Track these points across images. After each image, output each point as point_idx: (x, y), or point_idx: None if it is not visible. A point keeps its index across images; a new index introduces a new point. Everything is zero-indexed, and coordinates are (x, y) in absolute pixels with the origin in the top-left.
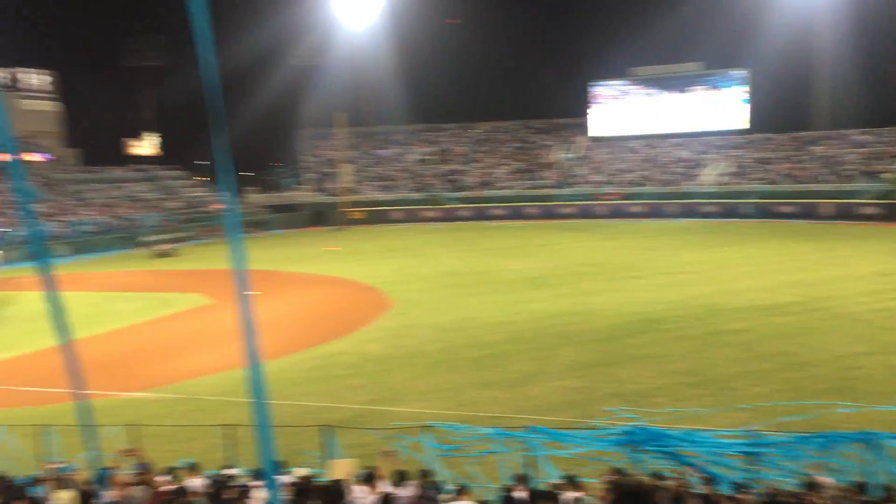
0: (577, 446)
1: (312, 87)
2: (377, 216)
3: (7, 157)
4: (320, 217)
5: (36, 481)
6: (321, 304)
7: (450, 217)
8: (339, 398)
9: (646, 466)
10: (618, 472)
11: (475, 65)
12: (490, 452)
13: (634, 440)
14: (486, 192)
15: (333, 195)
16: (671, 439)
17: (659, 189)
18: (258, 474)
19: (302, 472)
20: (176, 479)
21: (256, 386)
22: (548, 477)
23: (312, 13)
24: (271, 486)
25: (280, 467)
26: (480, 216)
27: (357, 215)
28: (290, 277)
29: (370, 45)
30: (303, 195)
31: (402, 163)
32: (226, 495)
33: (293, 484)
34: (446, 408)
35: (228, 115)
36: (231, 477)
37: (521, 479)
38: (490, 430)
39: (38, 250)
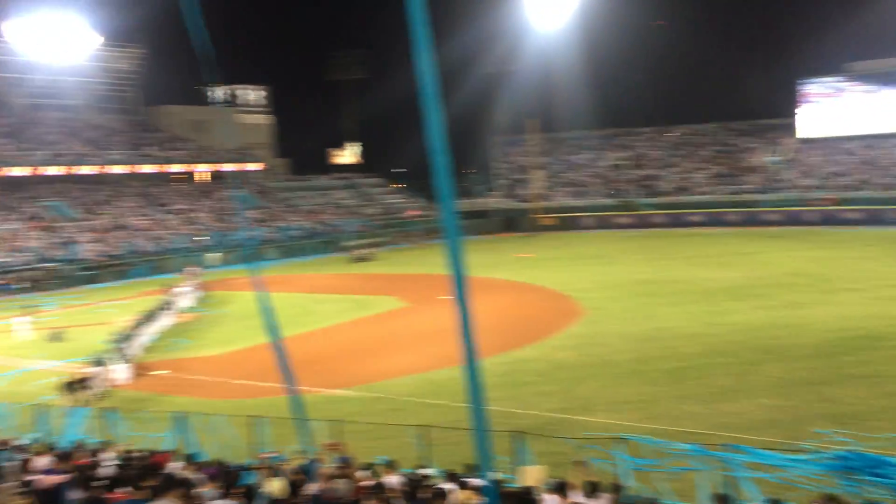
0: (782, 469)
1: (504, 92)
2: (569, 223)
3: (227, 168)
4: (512, 223)
5: (249, 469)
6: (512, 309)
7: (644, 223)
8: (528, 405)
9: (862, 496)
10: (831, 499)
11: (672, 66)
12: (687, 470)
13: (850, 466)
14: (683, 198)
15: (525, 201)
16: (893, 468)
17: (879, 193)
18: (452, 476)
19: (493, 476)
20: (374, 474)
21: (474, 389)
22: (750, 500)
23: (505, 19)
24: (490, 494)
25: (474, 470)
26: (676, 223)
27: (548, 221)
28: (482, 283)
29: (562, 49)
30: (494, 201)
31: (595, 168)
32: (421, 495)
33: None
34: (638, 420)
35: (420, 123)
36: (426, 477)
37: (722, 500)
38: (687, 447)
39: (251, 253)
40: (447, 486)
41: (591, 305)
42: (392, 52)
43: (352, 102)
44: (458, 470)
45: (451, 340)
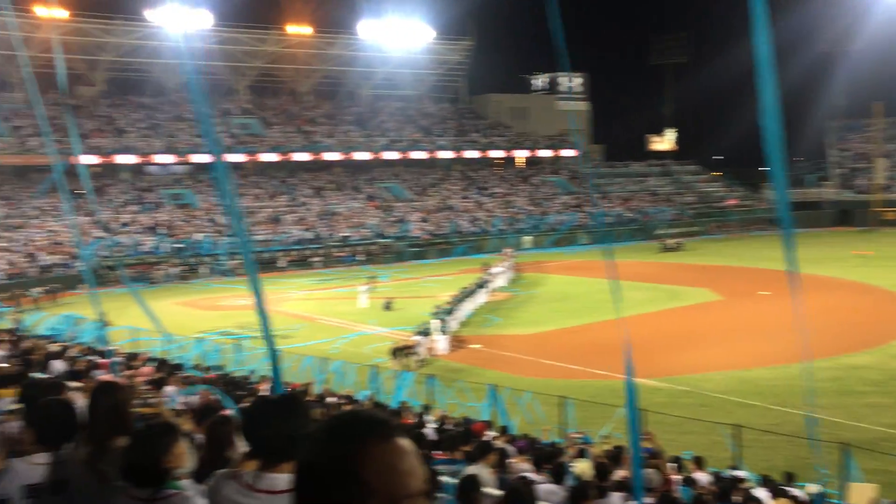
0: None
1: (842, 73)
2: None
3: (544, 154)
4: (847, 216)
5: (557, 447)
6: (842, 311)
7: None
8: (857, 416)
9: None
10: None
11: None
12: None
13: None
14: None
15: (864, 193)
16: None
17: None
18: (767, 482)
19: (812, 488)
20: (682, 469)
21: (809, 394)
22: None
23: None
24: None
25: (790, 479)
26: None
27: (892, 216)
28: (808, 280)
29: None
30: (827, 192)
31: None
32: (734, 497)
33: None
34: None
35: (745, 106)
36: (738, 479)
37: None
38: None
39: (605, 235)
40: (761, 492)
41: None
42: (714, 34)
43: (671, 87)
44: (774, 476)
45: (767, 338)
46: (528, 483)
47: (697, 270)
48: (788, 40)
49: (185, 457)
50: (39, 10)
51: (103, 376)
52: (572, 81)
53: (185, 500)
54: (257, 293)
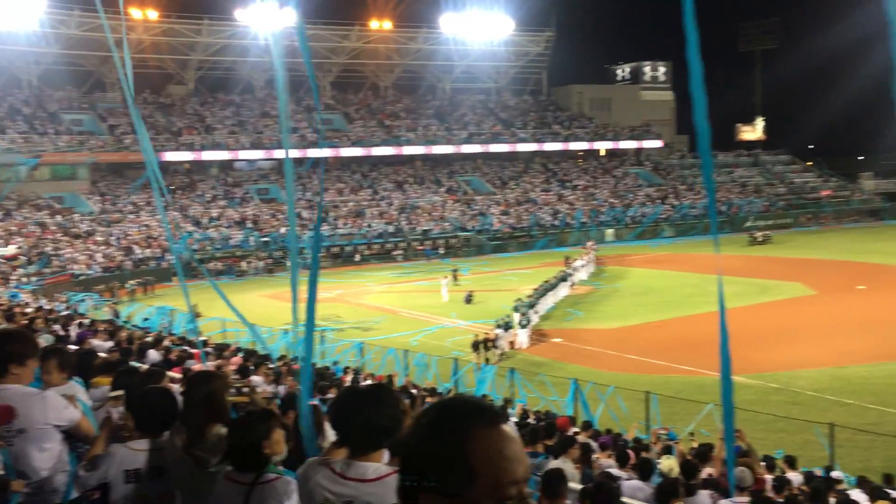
0: None
1: None
2: None
3: (627, 145)
4: None
5: (642, 443)
6: None
7: None
8: None
9: None
10: None
11: None
12: None
13: None
14: None
15: None
16: None
17: None
18: (864, 483)
19: None
20: (772, 468)
21: None
22: None
23: None
24: None
25: (889, 481)
26: None
27: None
28: None
29: None
30: None
31: None
32: (832, 497)
33: None
34: None
35: (838, 92)
36: (833, 480)
37: None
38: None
39: (645, 231)
40: (857, 494)
41: None
42: (805, 18)
43: (760, 75)
44: (872, 477)
45: (864, 334)
46: (613, 479)
47: (796, 264)
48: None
49: (283, 444)
50: (134, 13)
51: (196, 366)
52: (657, 70)
53: (286, 485)
54: (313, 285)
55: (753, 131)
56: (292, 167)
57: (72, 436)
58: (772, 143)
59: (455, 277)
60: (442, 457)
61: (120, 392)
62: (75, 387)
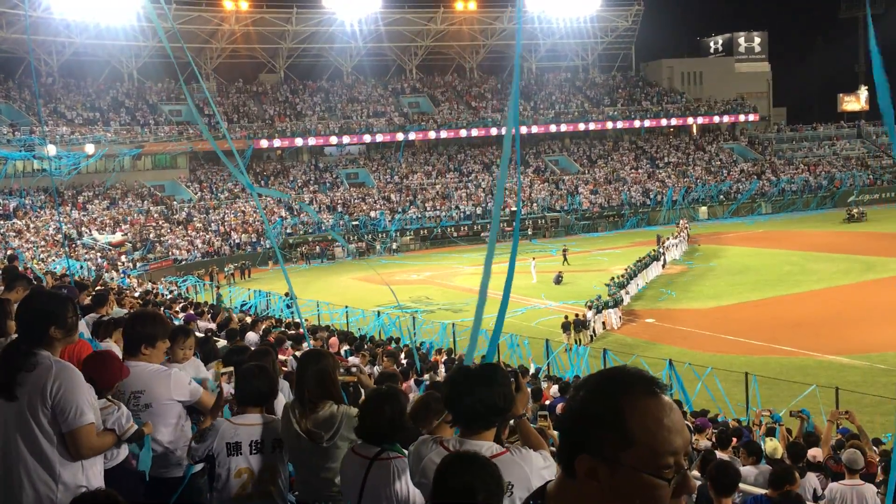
0: None
1: None
2: None
3: (721, 120)
4: None
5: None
6: None
7: None
8: None
9: None
10: None
11: None
12: None
13: None
14: None
15: None
16: None
17: None
18: None
19: None
20: (882, 451)
21: None
22: None
23: None
24: None
25: None
26: None
27: None
28: None
29: None
30: None
31: None
32: None
33: None
34: None
35: None
36: None
37: None
38: None
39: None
40: None
41: None
42: None
43: (863, 41)
44: None
45: None
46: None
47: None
48: None
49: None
50: (227, 4)
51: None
52: (752, 41)
53: (404, 465)
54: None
55: (857, 101)
56: (510, 141)
57: (196, 410)
58: (876, 114)
59: (565, 257)
60: (601, 420)
61: (230, 369)
62: (199, 364)
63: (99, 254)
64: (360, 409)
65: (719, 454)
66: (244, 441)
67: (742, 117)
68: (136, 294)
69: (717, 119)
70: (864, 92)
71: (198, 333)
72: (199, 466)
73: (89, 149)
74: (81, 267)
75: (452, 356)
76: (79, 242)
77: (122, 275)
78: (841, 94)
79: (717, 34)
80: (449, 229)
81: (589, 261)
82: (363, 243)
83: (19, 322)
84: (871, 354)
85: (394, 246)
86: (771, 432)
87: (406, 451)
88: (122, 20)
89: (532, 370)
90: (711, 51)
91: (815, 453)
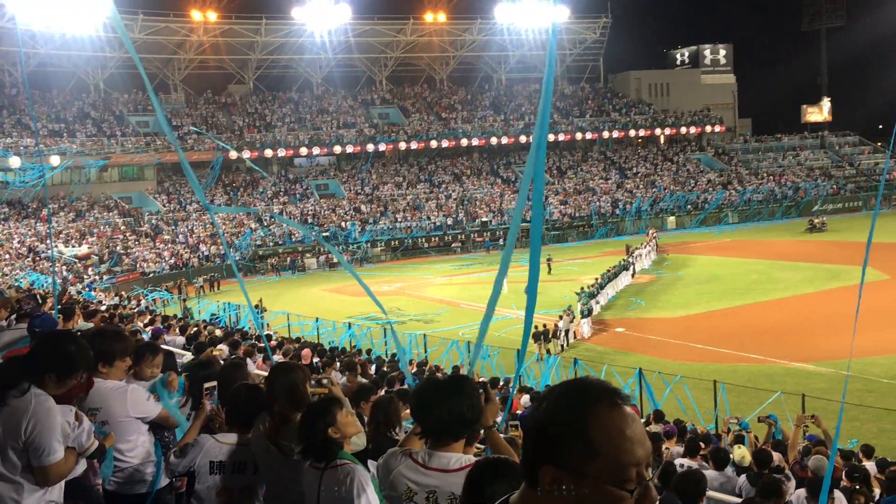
0: None
1: None
2: None
3: (687, 131)
4: None
5: (709, 433)
6: None
7: None
8: None
9: None
10: None
11: None
12: None
13: None
14: None
15: None
16: None
17: None
18: None
19: None
20: (847, 457)
21: None
22: None
23: None
24: None
25: None
26: None
27: None
28: None
29: None
30: None
31: None
32: None
33: None
34: None
35: None
36: None
37: None
38: None
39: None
40: None
41: None
42: None
43: (825, 54)
44: None
45: None
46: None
47: (861, 249)
48: None
49: (353, 428)
50: (194, 15)
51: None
52: (717, 53)
53: (352, 470)
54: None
55: (819, 112)
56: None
57: (160, 426)
58: (839, 125)
59: (549, 267)
60: (564, 431)
61: (213, 383)
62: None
63: (65, 267)
64: (300, 423)
65: (688, 461)
66: (228, 460)
67: (708, 128)
68: (104, 307)
69: (684, 130)
70: (826, 103)
71: (168, 347)
72: (164, 482)
73: (55, 160)
74: (46, 282)
75: (423, 368)
76: (43, 255)
77: (86, 288)
78: (805, 106)
79: (684, 46)
80: (420, 240)
81: (560, 271)
82: (331, 255)
83: (32, 352)
84: (836, 361)
85: (359, 255)
86: (739, 440)
87: (356, 460)
88: (88, 30)
89: (502, 381)
90: (678, 63)
91: (778, 458)
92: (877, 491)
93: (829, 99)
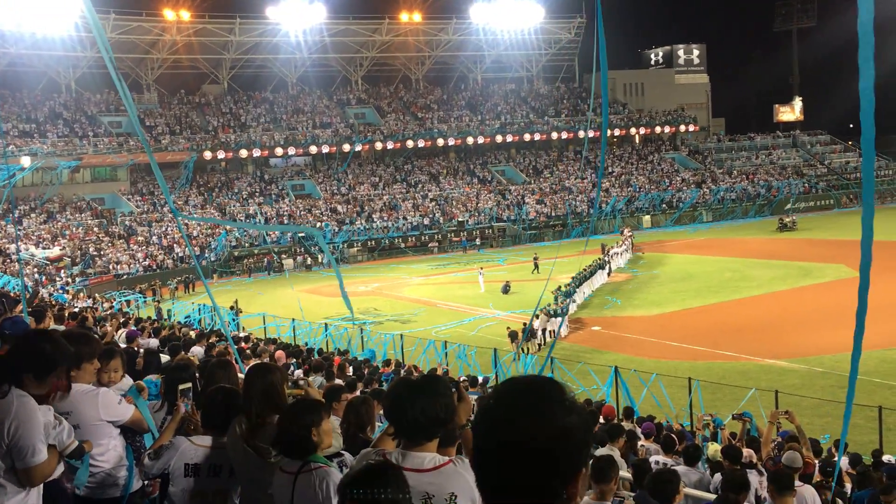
0: None
1: None
2: None
3: (662, 130)
4: None
5: (686, 430)
6: None
7: None
8: None
9: None
10: None
11: None
12: None
13: None
14: None
15: None
16: None
17: None
18: None
19: None
20: (818, 453)
21: None
22: None
23: None
24: None
25: None
26: None
27: None
28: None
29: None
30: None
31: None
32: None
33: None
34: None
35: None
36: (881, 463)
37: None
38: None
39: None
40: None
41: None
42: None
43: (797, 54)
44: None
45: None
46: (672, 469)
47: (839, 245)
48: None
49: (331, 433)
50: (167, 14)
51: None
52: (691, 53)
53: (326, 474)
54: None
55: (791, 112)
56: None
57: (131, 430)
58: (810, 124)
59: (536, 265)
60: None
61: (187, 385)
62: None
63: (36, 269)
64: (279, 420)
65: (663, 458)
66: (203, 463)
67: (682, 128)
68: (76, 310)
69: (658, 129)
70: (798, 103)
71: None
72: (137, 485)
73: (25, 161)
74: (16, 286)
75: (400, 367)
76: (12, 257)
77: (58, 290)
78: (777, 105)
79: (658, 46)
80: (397, 240)
81: (546, 270)
82: (308, 255)
83: (8, 354)
84: (808, 358)
85: (336, 256)
86: (714, 437)
87: (330, 462)
88: (59, 30)
89: (481, 380)
90: (652, 63)
91: (748, 453)
92: (848, 486)
93: (801, 98)
